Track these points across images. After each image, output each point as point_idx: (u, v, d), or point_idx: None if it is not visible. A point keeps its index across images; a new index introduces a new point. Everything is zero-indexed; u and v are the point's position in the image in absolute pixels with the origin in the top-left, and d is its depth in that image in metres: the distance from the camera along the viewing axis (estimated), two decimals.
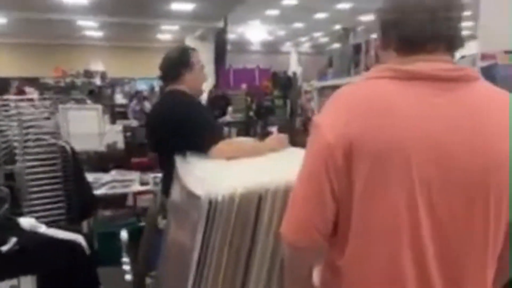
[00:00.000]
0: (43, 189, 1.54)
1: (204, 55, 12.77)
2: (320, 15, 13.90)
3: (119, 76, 13.25)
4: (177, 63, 1.88)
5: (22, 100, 1.83)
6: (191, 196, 1.17)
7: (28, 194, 1.48)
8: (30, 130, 1.61)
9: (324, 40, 19.26)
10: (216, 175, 1.27)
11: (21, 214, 1.50)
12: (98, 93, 9.01)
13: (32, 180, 1.53)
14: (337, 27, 15.64)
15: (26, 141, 1.59)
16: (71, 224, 1.68)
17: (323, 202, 0.77)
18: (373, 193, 0.74)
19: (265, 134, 2.07)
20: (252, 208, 1.11)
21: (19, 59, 14.38)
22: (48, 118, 2.11)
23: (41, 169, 1.54)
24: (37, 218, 1.49)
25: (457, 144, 0.73)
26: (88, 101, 8.11)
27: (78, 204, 1.70)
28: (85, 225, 2.78)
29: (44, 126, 1.71)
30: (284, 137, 1.78)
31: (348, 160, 0.74)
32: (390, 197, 0.73)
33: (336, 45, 19.11)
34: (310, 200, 0.78)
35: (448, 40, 0.80)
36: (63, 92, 10.03)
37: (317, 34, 18.07)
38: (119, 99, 10.82)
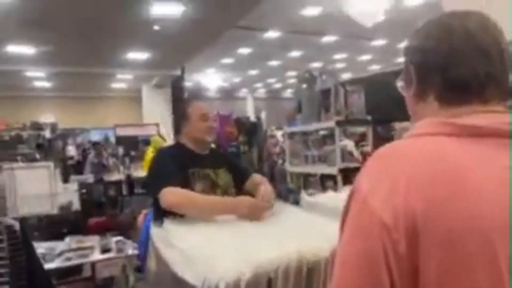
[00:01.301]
0: None
1: (161, 103, 12.56)
2: (273, 63, 14.37)
3: (71, 127, 12.61)
4: (177, 117, 1.89)
5: None
6: (180, 283, 0.94)
7: None
8: None
9: (277, 85, 19.86)
10: (206, 250, 1.05)
11: None
12: (48, 147, 8.42)
13: None
14: (290, 73, 16.27)
15: None
16: None
17: None
18: (448, 284, 0.57)
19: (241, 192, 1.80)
20: None
21: None
22: None
23: None
24: None
25: None
26: (37, 156, 7.52)
27: None
28: None
29: None
30: (259, 205, 1.47)
31: (412, 246, 0.57)
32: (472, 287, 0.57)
33: (289, 90, 19.83)
34: None
35: (504, 87, 0.68)
36: (8, 146, 9.29)
37: (271, 80, 18.61)
38: (71, 151, 10.19)
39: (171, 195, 1.48)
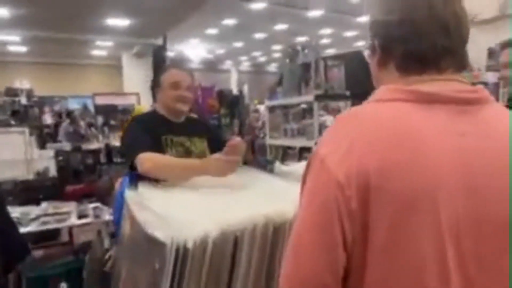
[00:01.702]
0: None
1: (142, 73, 12.31)
2: (259, 35, 14.17)
3: (48, 95, 12.26)
4: (152, 83, 1.86)
5: None
6: (151, 241, 0.97)
7: None
8: None
9: (262, 59, 19.66)
10: (177, 211, 1.08)
11: None
12: (23, 113, 8.20)
13: None
14: (275, 47, 16.09)
15: None
16: None
17: (335, 255, 0.62)
18: (395, 243, 0.61)
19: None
20: (228, 252, 0.95)
21: None
22: None
23: None
24: None
25: (488, 180, 0.63)
26: (13, 122, 7.32)
27: (2, 256, 1.39)
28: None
29: None
30: (226, 162, 1.43)
31: (364, 203, 0.61)
32: (417, 248, 0.61)
33: (274, 65, 19.65)
34: (319, 254, 0.63)
35: (459, 58, 0.72)
36: None
37: (256, 54, 18.39)
38: (48, 119, 9.96)
39: (147, 160, 1.51)
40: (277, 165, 1.65)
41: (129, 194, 1.37)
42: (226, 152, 1.43)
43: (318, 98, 3.05)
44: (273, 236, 1.00)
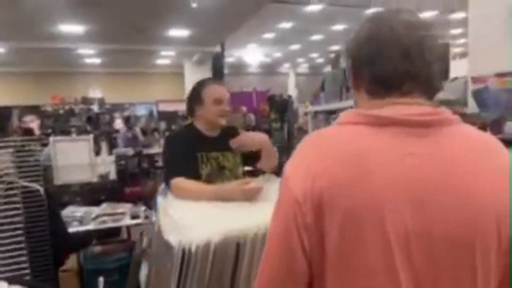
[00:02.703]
0: (6, 242, 1.41)
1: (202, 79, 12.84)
2: (316, 37, 14.07)
3: (119, 102, 13.34)
4: (190, 98, 1.90)
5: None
6: (166, 244, 1.11)
7: None
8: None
9: (320, 60, 19.46)
10: (191, 220, 1.20)
11: None
12: (96, 120, 9.03)
13: None
14: (333, 48, 15.85)
15: None
16: (46, 274, 1.59)
17: (293, 259, 0.70)
18: (347, 254, 0.67)
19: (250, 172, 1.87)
20: (230, 256, 1.05)
21: (19, 88, 14.55)
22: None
23: (5, 220, 1.43)
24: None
25: (435, 197, 0.66)
26: (88, 128, 8.11)
27: (53, 251, 1.63)
28: (74, 260, 2.72)
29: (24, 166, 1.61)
30: (254, 190, 1.50)
31: (318, 217, 0.67)
32: (366, 258, 0.66)
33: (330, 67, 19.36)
34: (281, 259, 0.71)
35: (424, 82, 0.74)
36: (63, 119, 10.13)
37: (313, 55, 18.27)
38: (119, 124, 10.88)
39: (176, 189, 1.59)
40: None
41: (160, 202, 1.54)
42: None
43: None
44: None
